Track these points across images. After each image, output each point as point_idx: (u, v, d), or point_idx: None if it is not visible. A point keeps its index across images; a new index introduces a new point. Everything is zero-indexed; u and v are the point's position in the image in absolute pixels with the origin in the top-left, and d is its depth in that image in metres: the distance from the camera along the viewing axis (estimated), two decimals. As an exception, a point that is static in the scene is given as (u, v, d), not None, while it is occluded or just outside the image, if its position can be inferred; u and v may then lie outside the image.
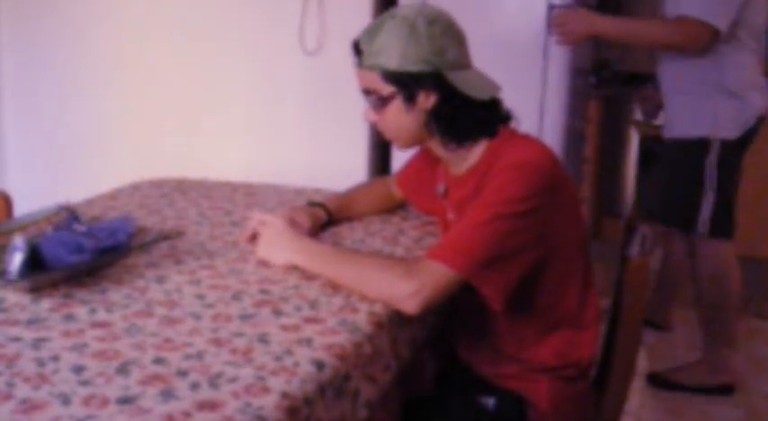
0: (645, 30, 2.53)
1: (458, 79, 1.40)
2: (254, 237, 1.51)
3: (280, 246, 1.43)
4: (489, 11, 2.68)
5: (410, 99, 1.41)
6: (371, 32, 1.41)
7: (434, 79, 1.39)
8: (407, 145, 1.52)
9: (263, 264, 1.43)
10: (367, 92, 1.45)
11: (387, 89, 1.41)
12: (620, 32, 2.52)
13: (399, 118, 1.43)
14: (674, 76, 2.56)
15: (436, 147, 1.48)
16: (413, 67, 1.38)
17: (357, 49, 1.44)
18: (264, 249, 1.44)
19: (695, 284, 2.68)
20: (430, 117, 1.42)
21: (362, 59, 1.43)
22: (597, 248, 2.31)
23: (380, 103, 1.43)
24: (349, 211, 1.75)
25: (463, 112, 1.42)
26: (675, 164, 2.63)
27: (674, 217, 2.67)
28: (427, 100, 1.40)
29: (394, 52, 1.38)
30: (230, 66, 3.04)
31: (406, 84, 1.39)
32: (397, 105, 1.42)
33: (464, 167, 1.47)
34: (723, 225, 2.54)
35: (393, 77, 1.40)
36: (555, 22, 2.50)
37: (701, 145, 2.49)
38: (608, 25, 2.50)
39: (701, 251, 2.61)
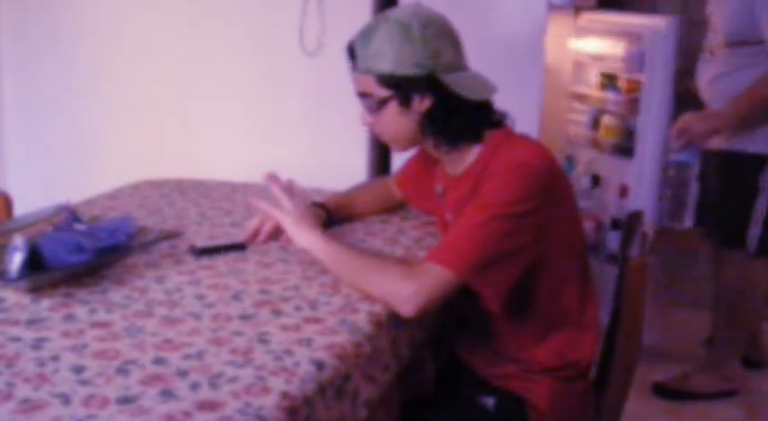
0: (758, 96, 2.39)
1: (452, 81, 1.40)
2: (255, 237, 1.51)
3: (304, 227, 1.40)
4: (489, 11, 2.68)
5: (405, 102, 1.41)
6: (366, 36, 1.41)
7: (429, 82, 1.39)
8: (403, 148, 1.53)
9: (264, 264, 1.43)
10: (362, 95, 1.45)
11: (382, 93, 1.41)
12: (741, 114, 2.42)
13: (395, 121, 1.44)
14: (733, 91, 2.43)
15: (429, 148, 1.48)
16: (407, 70, 1.38)
17: (351, 52, 1.44)
18: (292, 224, 1.41)
19: (718, 291, 2.64)
20: (424, 119, 1.42)
21: (357, 63, 1.43)
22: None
23: (376, 106, 1.43)
24: (349, 211, 1.75)
25: (457, 115, 1.42)
26: (730, 178, 2.55)
27: (725, 233, 2.58)
28: (422, 103, 1.41)
29: (388, 56, 1.38)
30: (230, 66, 3.04)
31: (401, 87, 1.40)
32: (392, 109, 1.42)
33: (461, 168, 1.47)
34: None
35: (388, 81, 1.40)
36: (677, 131, 2.47)
37: (758, 160, 2.42)
38: (729, 112, 2.43)
39: (728, 264, 2.57)
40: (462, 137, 1.44)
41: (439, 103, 1.40)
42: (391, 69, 1.38)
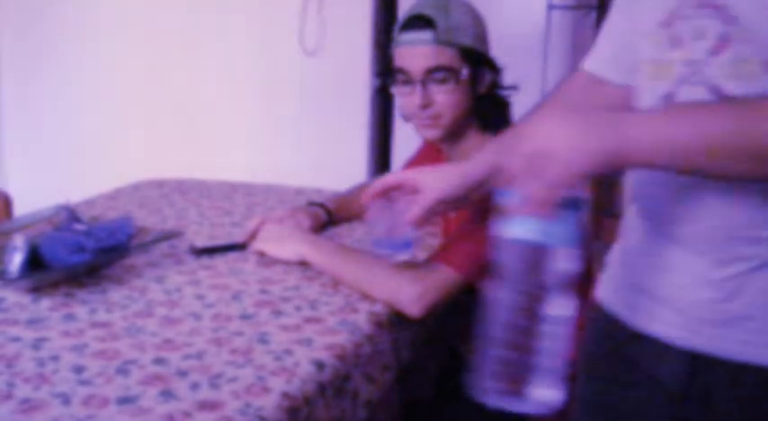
0: None
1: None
2: (254, 237, 1.51)
3: (288, 239, 1.43)
4: (489, 11, 2.68)
5: (475, 80, 1.39)
6: (442, 8, 1.37)
7: (492, 64, 1.41)
8: (449, 133, 1.43)
9: (264, 263, 1.43)
10: (436, 70, 1.37)
11: (461, 66, 1.37)
12: None
13: (463, 99, 1.40)
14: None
15: (468, 137, 1.44)
16: (483, 47, 1.39)
17: (428, 22, 1.35)
18: (272, 243, 1.44)
19: None
20: (480, 102, 1.41)
21: (437, 34, 1.36)
22: (597, 248, 2.28)
23: (453, 81, 1.37)
24: (349, 211, 1.75)
25: (502, 103, 1.44)
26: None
27: None
28: (485, 83, 1.41)
29: (471, 30, 1.38)
30: (230, 66, 3.04)
31: (478, 64, 1.39)
32: (465, 85, 1.40)
33: (462, 166, 1.47)
34: None
35: (470, 55, 1.37)
36: None
37: None
38: None
39: None
40: (499, 127, 1.42)
41: (495, 88, 1.41)
42: (472, 44, 1.37)
